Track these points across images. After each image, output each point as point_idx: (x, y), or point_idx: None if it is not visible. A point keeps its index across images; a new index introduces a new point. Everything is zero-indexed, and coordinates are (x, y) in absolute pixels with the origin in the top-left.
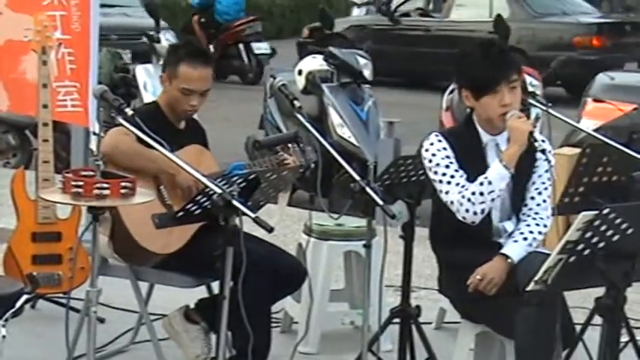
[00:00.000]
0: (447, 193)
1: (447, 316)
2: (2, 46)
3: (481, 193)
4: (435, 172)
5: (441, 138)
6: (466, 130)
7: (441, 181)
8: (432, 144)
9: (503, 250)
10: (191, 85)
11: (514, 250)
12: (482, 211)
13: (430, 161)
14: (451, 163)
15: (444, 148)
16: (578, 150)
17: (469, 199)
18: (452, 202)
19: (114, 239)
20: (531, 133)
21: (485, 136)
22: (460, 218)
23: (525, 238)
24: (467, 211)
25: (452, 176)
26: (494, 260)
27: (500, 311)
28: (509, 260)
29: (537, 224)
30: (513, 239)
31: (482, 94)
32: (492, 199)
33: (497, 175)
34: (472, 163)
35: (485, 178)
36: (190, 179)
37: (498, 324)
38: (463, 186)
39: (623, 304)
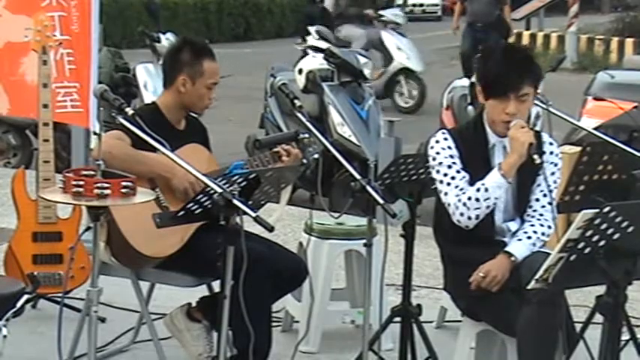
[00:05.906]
0: (445, 194)
1: (448, 315)
2: (2, 48)
3: (477, 199)
4: (438, 172)
5: (447, 136)
6: (474, 129)
7: (441, 182)
8: (437, 142)
9: (507, 248)
10: (216, 78)
11: (518, 248)
12: (477, 216)
13: (434, 159)
14: (454, 163)
15: (449, 147)
16: (578, 148)
17: (464, 204)
18: (449, 204)
19: (110, 244)
20: (531, 145)
21: (492, 137)
22: (455, 221)
23: (529, 237)
24: (461, 215)
25: (452, 177)
26: (498, 258)
27: (503, 309)
28: (512, 258)
29: (542, 225)
30: (517, 238)
31: (490, 96)
32: (488, 207)
33: (495, 183)
34: (477, 163)
35: (483, 184)
36: (186, 181)
37: (500, 322)
38: (462, 189)
39: (624, 303)
